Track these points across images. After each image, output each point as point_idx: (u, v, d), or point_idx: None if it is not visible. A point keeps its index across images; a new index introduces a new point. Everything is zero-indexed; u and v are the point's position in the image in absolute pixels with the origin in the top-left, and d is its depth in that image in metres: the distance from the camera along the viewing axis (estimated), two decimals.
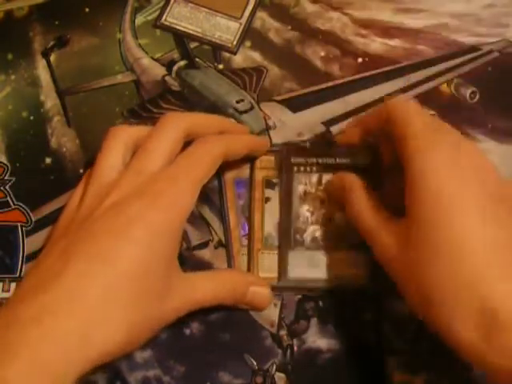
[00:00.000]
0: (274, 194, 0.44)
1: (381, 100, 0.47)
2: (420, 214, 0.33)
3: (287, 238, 0.42)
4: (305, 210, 0.43)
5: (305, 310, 0.43)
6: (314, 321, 0.43)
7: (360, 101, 0.47)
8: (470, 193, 0.33)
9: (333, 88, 0.48)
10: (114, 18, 0.50)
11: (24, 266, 0.44)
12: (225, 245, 0.43)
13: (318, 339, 0.43)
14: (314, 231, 0.43)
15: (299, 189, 0.43)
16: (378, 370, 0.42)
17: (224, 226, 0.44)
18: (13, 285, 0.44)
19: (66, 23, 0.50)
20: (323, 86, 0.48)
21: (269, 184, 0.44)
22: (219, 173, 0.44)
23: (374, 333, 0.42)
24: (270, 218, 0.43)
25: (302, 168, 0.43)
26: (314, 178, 0.43)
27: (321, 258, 0.42)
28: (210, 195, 0.45)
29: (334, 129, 0.46)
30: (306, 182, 0.43)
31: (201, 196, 0.44)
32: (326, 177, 0.43)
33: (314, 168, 0.43)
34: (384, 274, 0.36)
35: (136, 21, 0.50)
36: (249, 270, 0.42)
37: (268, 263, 0.43)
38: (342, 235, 0.43)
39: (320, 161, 0.43)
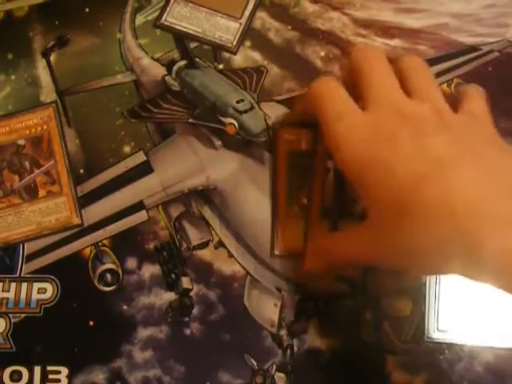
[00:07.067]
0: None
1: None
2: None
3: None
4: None
5: (305, 310, 0.43)
6: (314, 321, 0.43)
7: None
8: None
9: None
10: (114, 18, 0.49)
11: (24, 266, 0.44)
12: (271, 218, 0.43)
13: (317, 339, 0.43)
14: None
15: None
16: (378, 369, 0.42)
17: (273, 200, 0.43)
18: (13, 285, 0.44)
19: (66, 23, 0.50)
20: None
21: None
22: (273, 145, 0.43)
23: (374, 333, 0.42)
24: (330, 189, 0.42)
25: None
26: None
27: None
28: (210, 196, 0.45)
29: None
30: None
31: (201, 196, 0.45)
32: None
33: None
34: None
35: (136, 21, 0.50)
36: (306, 238, 0.42)
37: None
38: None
39: None
